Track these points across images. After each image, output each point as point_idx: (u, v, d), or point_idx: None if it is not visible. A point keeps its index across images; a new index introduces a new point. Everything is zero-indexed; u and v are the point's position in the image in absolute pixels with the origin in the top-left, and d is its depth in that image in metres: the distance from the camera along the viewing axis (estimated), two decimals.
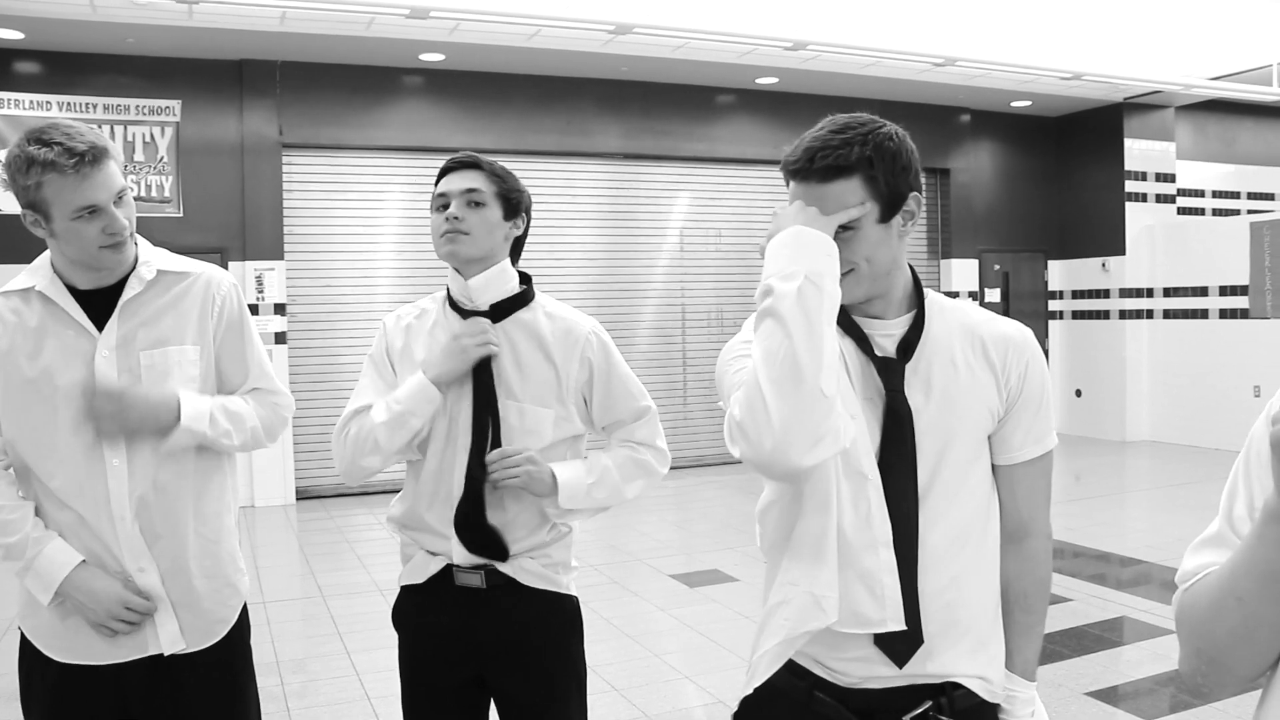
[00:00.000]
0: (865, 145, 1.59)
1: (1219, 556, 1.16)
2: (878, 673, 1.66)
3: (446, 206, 2.26)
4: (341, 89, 9.23)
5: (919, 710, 1.65)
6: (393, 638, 2.39)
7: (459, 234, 2.24)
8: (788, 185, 1.66)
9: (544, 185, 9.97)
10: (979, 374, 1.69)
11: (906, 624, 1.62)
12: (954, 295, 11.03)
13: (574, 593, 2.35)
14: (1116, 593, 5.90)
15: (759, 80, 10.36)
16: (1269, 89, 10.33)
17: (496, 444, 2.22)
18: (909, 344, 1.69)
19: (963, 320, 1.73)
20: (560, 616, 2.31)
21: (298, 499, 9.14)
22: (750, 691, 1.77)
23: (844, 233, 1.61)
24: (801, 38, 8.64)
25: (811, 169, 1.60)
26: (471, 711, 2.32)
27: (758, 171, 10.79)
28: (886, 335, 1.71)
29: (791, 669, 1.73)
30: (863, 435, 1.65)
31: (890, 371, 1.67)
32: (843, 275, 1.62)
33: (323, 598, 6.06)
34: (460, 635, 2.25)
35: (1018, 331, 1.74)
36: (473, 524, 2.21)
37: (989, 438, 1.73)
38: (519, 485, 2.18)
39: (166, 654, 2.09)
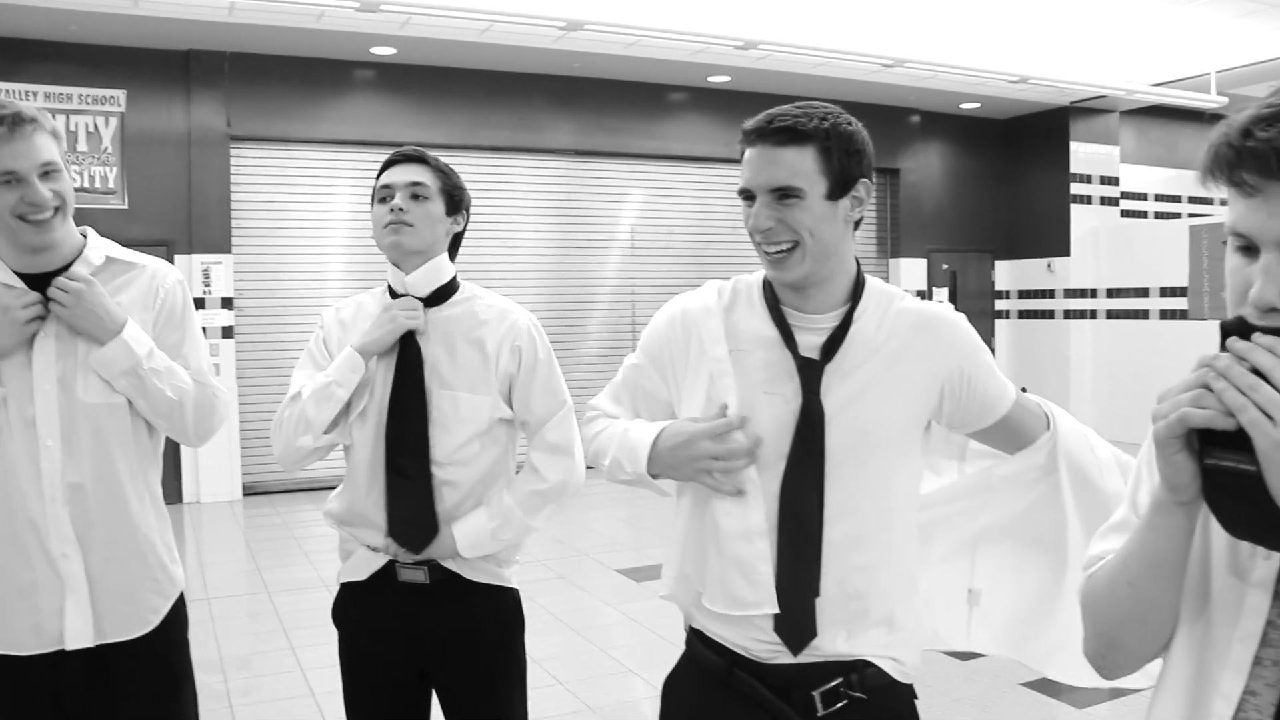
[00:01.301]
0: (824, 120, 1.66)
1: (1121, 542, 1.20)
2: (787, 651, 1.70)
3: (389, 199, 2.27)
4: (291, 81, 9.15)
5: (828, 686, 1.69)
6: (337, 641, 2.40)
7: (403, 225, 2.25)
8: (742, 156, 1.70)
9: (495, 181, 9.96)
10: (911, 368, 1.72)
11: (787, 609, 1.67)
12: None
13: (515, 585, 2.37)
14: None
15: (711, 78, 10.41)
16: (1207, 96, 10.54)
17: (421, 426, 2.22)
18: (832, 345, 1.71)
19: (901, 313, 1.75)
20: (503, 610, 2.33)
21: (244, 495, 9.05)
22: (673, 668, 1.85)
23: (789, 199, 1.65)
24: (753, 37, 8.69)
25: (769, 129, 1.66)
26: (414, 706, 2.33)
27: (709, 169, 10.84)
28: (817, 330, 1.73)
29: (711, 646, 1.78)
30: (770, 432, 1.69)
31: (809, 373, 1.70)
32: (785, 251, 1.67)
33: (268, 593, 6.01)
34: (403, 631, 2.26)
35: (946, 314, 1.79)
36: (400, 512, 2.23)
37: (937, 423, 1.79)
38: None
39: (69, 649, 2.05)
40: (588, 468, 2.23)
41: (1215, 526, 1.12)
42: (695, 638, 1.84)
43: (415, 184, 2.27)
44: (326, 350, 2.36)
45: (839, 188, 1.67)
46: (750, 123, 1.68)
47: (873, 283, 1.79)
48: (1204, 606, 1.14)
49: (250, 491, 9.12)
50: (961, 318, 1.80)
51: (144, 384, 2.08)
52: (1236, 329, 1.00)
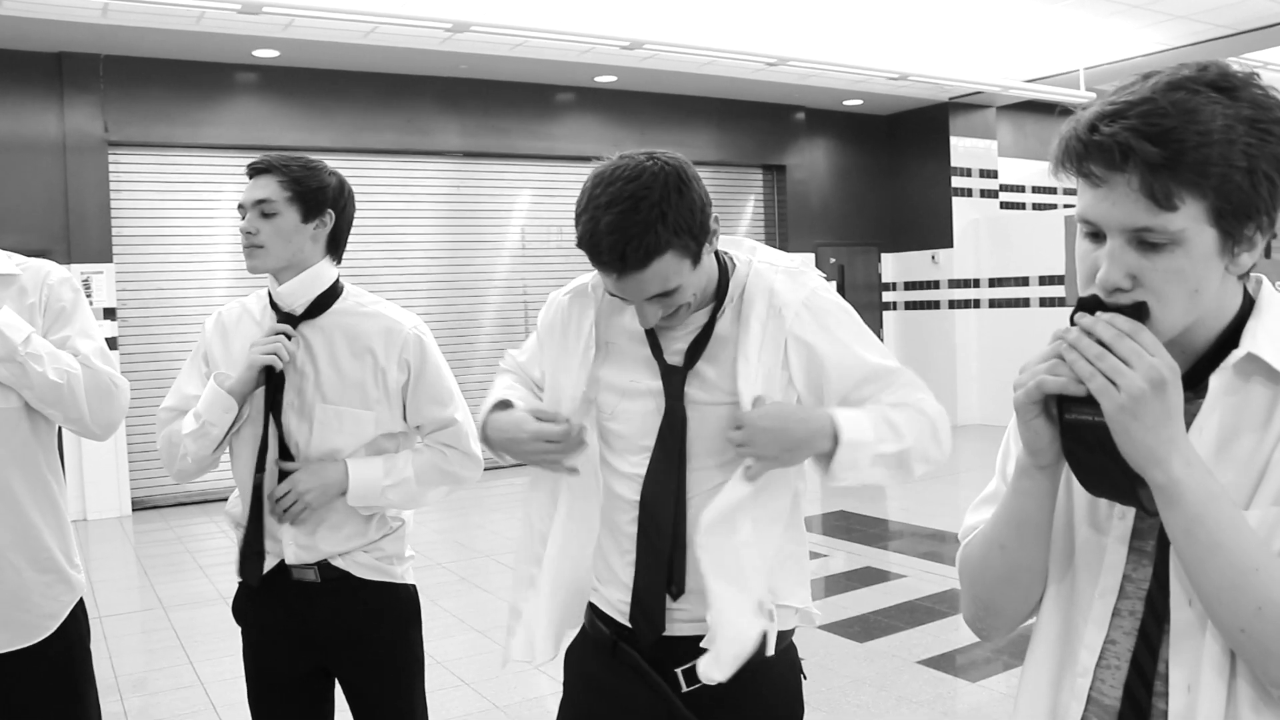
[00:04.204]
0: (665, 219, 1.62)
1: (992, 512, 1.29)
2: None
3: (244, 217, 2.27)
4: (171, 85, 8.93)
5: (689, 664, 1.78)
6: (239, 645, 2.39)
7: (254, 248, 2.25)
8: (593, 264, 1.69)
9: (383, 184, 9.87)
10: (765, 354, 1.77)
11: (639, 604, 1.79)
12: None
13: (410, 581, 2.39)
14: (948, 568, 6.19)
15: (598, 78, 10.47)
16: (1077, 92, 10.96)
17: (285, 455, 2.24)
18: (695, 350, 1.79)
19: (753, 300, 1.80)
20: (397, 606, 2.35)
21: (134, 510, 8.80)
22: (574, 638, 1.96)
23: (666, 297, 1.70)
24: (638, 37, 8.76)
25: (626, 267, 1.63)
26: (317, 701, 2.35)
27: None
28: (683, 335, 1.81)
29: (602, 618, 1.89)
30: (634, 426, 1.81)
31: (672, 380, 1.78)
32: (671, 314, 1.73)
33: (163, 609, 5.88)
34: (299, 629, 2.28)
35: (792, 294, 1.81)
36: (250, 541, 2.24)
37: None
38: (308, 516, 2.22)
39: None
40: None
41: (1076, 490, 1.22)
42: (591, 610, 1.93)
43: (261, 201, 2.24)
44: (206, 362, 2.35)
45: (700, 251, 1.70)
46: (599, 253, 1.65)
47: (739, 276, 1.83)
48: (1068, 566, 1.25)
49: (140, 506, 8.87)
50: (816, 289, 1.84)
51: (25, 370, 2.02)
52: (1089, 305, 1.10)
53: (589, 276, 1.90)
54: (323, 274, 2.30)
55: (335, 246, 2.35)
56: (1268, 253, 1.13)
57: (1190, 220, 1.04)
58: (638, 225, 1.61)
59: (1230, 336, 1.14)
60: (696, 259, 1.70)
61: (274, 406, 2.23)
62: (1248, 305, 1.16)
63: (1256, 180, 1.04)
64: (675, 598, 1.79)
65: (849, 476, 1.74)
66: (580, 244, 1.67)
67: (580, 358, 1.85)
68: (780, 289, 1.80)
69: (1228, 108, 1.03)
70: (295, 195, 2.25)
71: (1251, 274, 1.16)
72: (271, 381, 2.22)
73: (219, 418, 2.19)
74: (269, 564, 2.27)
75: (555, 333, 1.92)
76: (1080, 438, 1.10)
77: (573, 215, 1.71)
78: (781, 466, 1.75)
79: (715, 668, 1.73)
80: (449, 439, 2.33)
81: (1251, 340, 1.11)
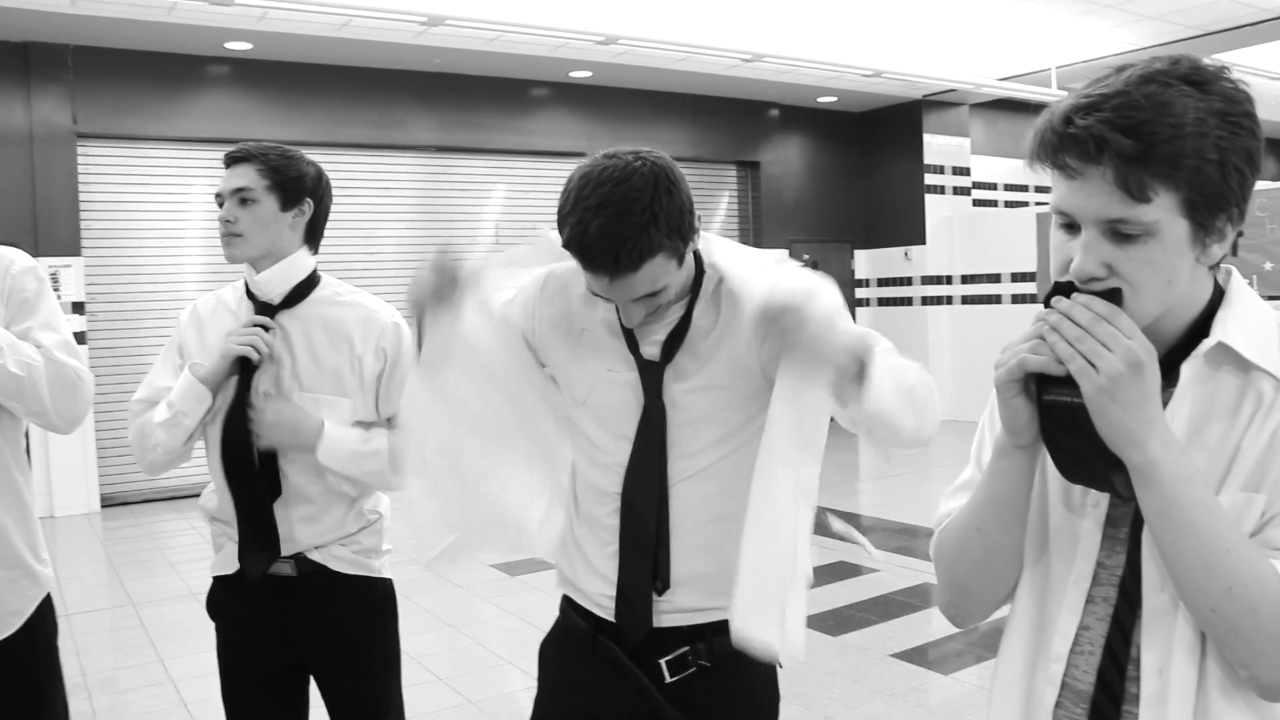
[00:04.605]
0: (657, 221, 1.61)
1: (967, 499, 1.31)
2: None
3: (222, 206, 2.26)
4: (142, 77, 8.84)
5: (674, 654, 1.79)
6: (210, 641, 2.38)
7: (233, 236, 2.23)
8: (581, 266, 1.68)
9: (357, 179, 9.82)
10: (736, 342, 1.77)
11: (624, 601, 1.79)
12: None
13: (388, 575, 2.38)
14: (921, 562, 6.23)
15: (572, 74, 10.45)
16: (1049, 90, 11.04)
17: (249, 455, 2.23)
18: (672, 345, 1.79)
19: (727, 291, 1.79)
20: (374, 600, 2.34)
21: (103, 506, 8.73)
22: (548, 633, 1.96)
23: (652, 296, 1.69)
24: (613, 32, 8.76)
25: (619, 270, 1.62)
26: (291, 697, 2.34)
27: (572, 164, 10.58)
28: (660, 329, 1.80)
29: (579, 612, 1.88)
30: (614, 413, 1.80)
31: (649, 375, 1.78)
32: (650, 313, 1.73)
33: (133, 606, 5.83)
34: (275, 623, 2.26)
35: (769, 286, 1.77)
36: (252, 534, 2.22)
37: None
38: (281, 437, 2.18)
39: None
40: None
41: (1051, 476, 1.23)
42: (567, 603, 1.93)
43: (240, 189, 2.23)
44: (180, 354, 2.33)
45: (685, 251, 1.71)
46: (591, 256, 1.63)
47: (711, 272, 1.82)
48: (1043, 552, 1.26)
49: (109, 503, 8.80)
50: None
51: None
52: (1064, 290, 1.12)
53: (562, 268, 1.88)
54: (301, 263, 2.30)
55: (313, 236, 2.34)
56: (1235, 250, 1.14)
57: (1163, 212, 1.05)
58: (631, 228, 1.59)
59: (1201, 326, 1.15)
60: (682, 259, 1.71)
61: (244, 400, 2.21)
62: (1218, 296, 1.17)
63: (1227, 172, 1.05)
64: (660, 593, 1.78)
65: (873, 405, 1.53)
66: (568, 246, 1.65)
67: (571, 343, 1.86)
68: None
69: (1199, 101, 1.04)
70: (274, 184, 2.24)
71: (1221, 265, 1.18)
72: (246, 373, 2.21)
73: (192, 408, 2.18)
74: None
75: (539, 307, 1.92)
76: (1058, 420, 1.11)
77: (546, 211, 1.70)
78: (802, 366, 1.56)
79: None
80: None
81: (1222, 330, 1.13)
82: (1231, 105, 1.06)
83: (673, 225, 1.64)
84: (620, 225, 1.59)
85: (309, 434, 2.18)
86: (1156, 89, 1.05)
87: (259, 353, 2.18)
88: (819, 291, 1.55)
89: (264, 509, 2.19)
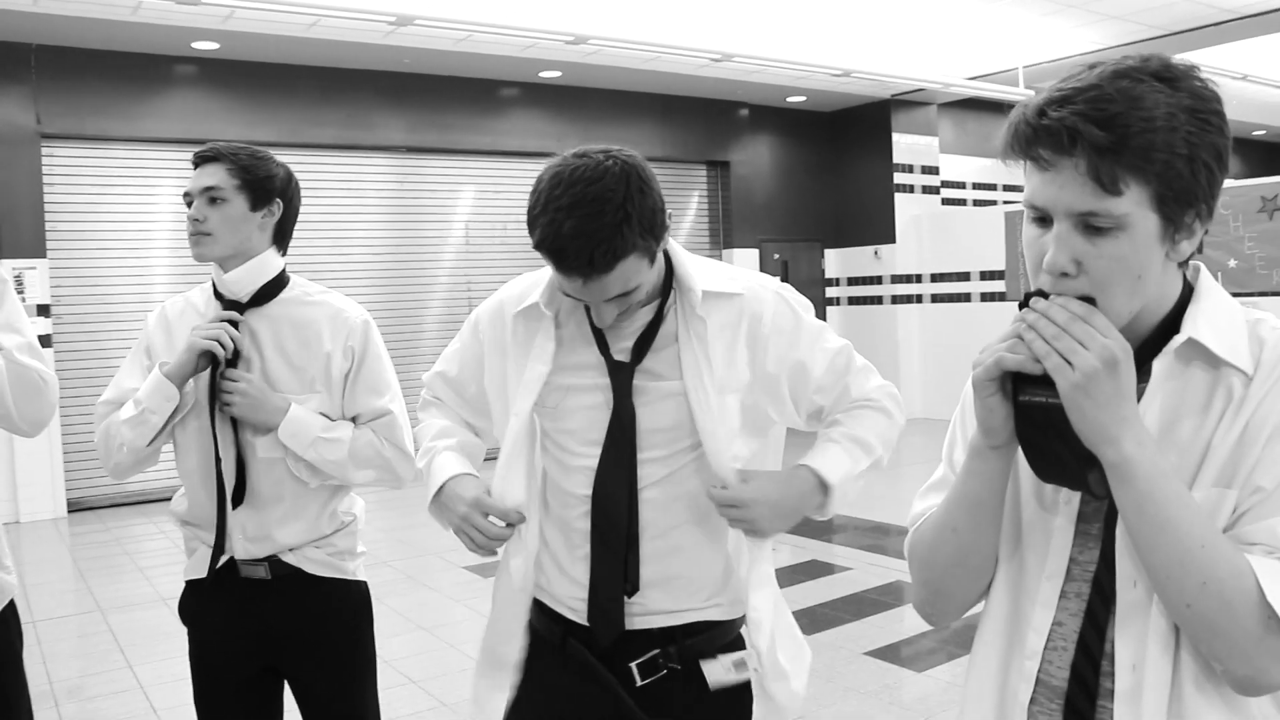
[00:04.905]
0: (630, 221, 1.59)
1: (940, 499, 1.31)
2: None
3: (190, 206, 2.24)
4: (108, 77, 8.75)
5: (645, 658, 1.79)
6: (180, 646, 2.36)
7: (201, 235, 2.21)
8: (553, 267, 1.66)
9: (327, 179, 9.76)
10: (709, 349, 1.76)
11: (596, 604, 1.79)
12: None
13: (362, 578, 2.36)
14: (893, 560, 6.26)
15: (542, 74, 10.44)
16: (1016, 89, 11.13)
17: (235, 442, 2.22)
18: (642, 346, 1.78)
19: (698, 296, 1.78)
20: (349, 602, 2.33)
21: (69, 511, 8.62)
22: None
23: (625, 296, 1.68)
24: (583, 32, 8.75)
25: (594, 271, 1.60)
26: (266, 701, 2.32)
27: (542, 164, 10.63)
28: (634, 329, 1.79)
29: (551, 615, 1.87)
30: (583, 422, 1.78)
31: (620, 375, 1.77)
32: (621, 314, 1.72)
33: (100, 612, 5.77)
34: (249, 627, 2.24)
35: (730, 290, 1.81)
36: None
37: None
38: (242, 408, 2.17)
39: None
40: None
41: (1024, 475, 1.24)
42: (537, 606, 1.91)
43: (209, 189, 2.22)
44: (148, 355, 2.30)
45: (654, 251, 1.70)
46: (565, 258, 1.61)
47: (681, 276, 1.80)
48: (1016, 549, 1.27)
49: (76, 507, 8.69)
50: (751, 286, 1.83)
51: None
52: (1042, 296, 1.12)
53: (538, 293, 1.84)
54: (270, 262, 2.28)
55: (281, 237, 2.33)
56: (1200, 248, 1.15)
57: (1134, 205, 1.06)
58: (605, 229, 1.57)
59: (1172, 323, 1.16)
60: (654, 258, 1.70)
61: (214, 396, 2.19)
62: (1188, 292, 1.18)
63: (1196, 168, 1.06)
64: (630, 594, 1.78)
65: (842, 507, 1.82)
66: (540, 247, 1.62)
67: (535, 375, 1.81)
68: (748, 289, 1.81)
69: (1170, 97, 1.05)
70: (244, 183, 2.23)
71: (1191, 262, 1.19)
72: (214, 371, 2.19)
73: (159, 405, 2.15)
74: (219, 560, 2.23)
75: (506, 348, 1.88)
76: (1034, 419, 1.12)
77: (516, 210, 1.69)
78: (772, 534, 1.79)
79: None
80: (382, 430, 2.29)
81: (1192, 326, 1.14)
82: (1201, 102, 1.07)
83: (645, 224, 1.62)
84: (594, 226, 1.57)
85: (273, 410, 2.17)
86: (1129, 84, 1.06)
87: (224, 348, 2.16)
88: (758, 501, 1.71)
89: (223, 509, 2.18)
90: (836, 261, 13.29)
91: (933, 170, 13.00)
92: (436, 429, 1.99)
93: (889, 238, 12.67)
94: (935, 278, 12.51)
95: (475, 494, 1.82)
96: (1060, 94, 1.08)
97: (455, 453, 1.94)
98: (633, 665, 1.78)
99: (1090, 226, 1.08)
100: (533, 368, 1.81)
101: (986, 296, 11.90)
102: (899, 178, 12.66)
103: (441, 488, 1.87)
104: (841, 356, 1.85)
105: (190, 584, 2.31)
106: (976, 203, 13.79)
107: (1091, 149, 1.05)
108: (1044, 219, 1.13)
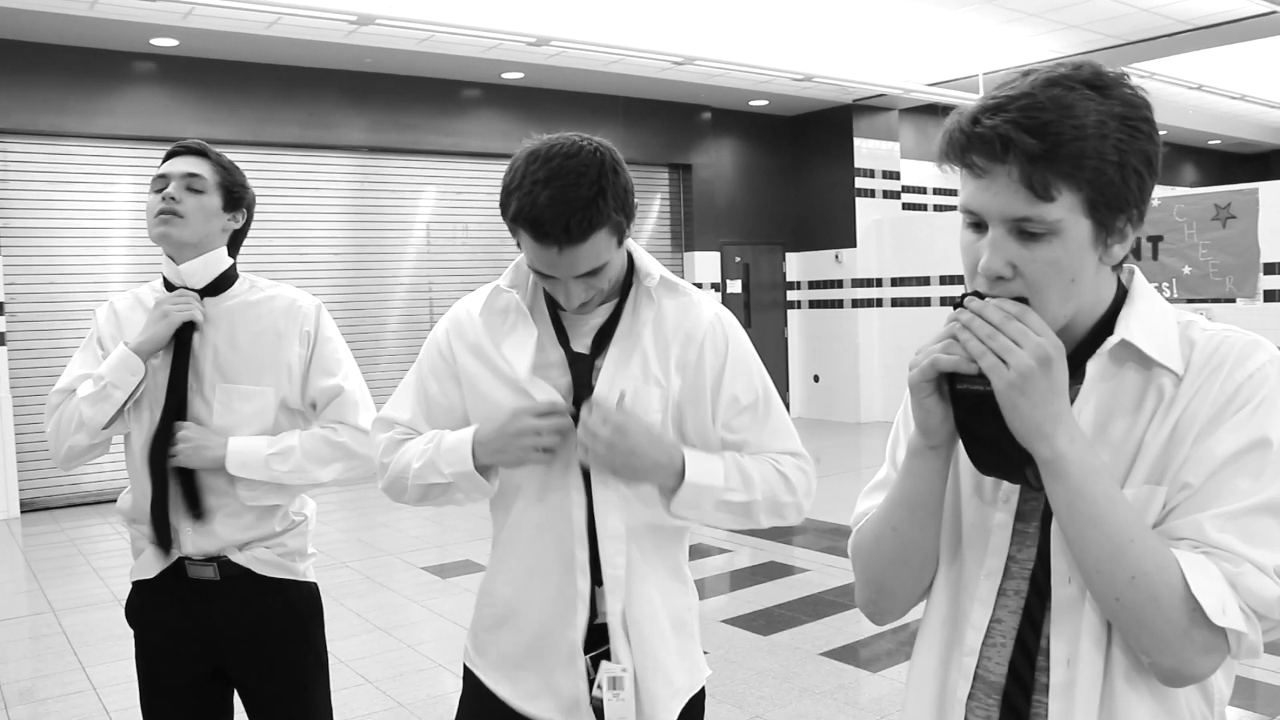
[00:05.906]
0: (604, 195, 1.63)
1: (883, 497, 1.33)
2: None
3: (164, 189, 2.23)
4: (64, 72, 8.64)
5: (599, 650, 1.81)
6: (133, 648, 2.33)
7: (173, 215, 2.20)
8: (529, 239, 1.66)
9: (286, 179, 9.70)
10: (664, 352, 1.79)
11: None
12: (698, 286, 11.39)
13: (312, 579, 2.35)
14: (849, 561, 6.29)
15: (504, 75, 10.42)
16: (976, 95, 11.20)
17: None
18: (602, 339, 1.79)
19: (656, 298, 1.81)
20: (300, 604, 2.32)
21: (23, 511, 8.51)
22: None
23: (591, 276, 1.70)
24: (545, 34, 8.75)
25: (570, 239, 1.62)
26: (214, 705, 2.30)
27: (504, 166, 10.66)
28: (591, 328, 1.81)
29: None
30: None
31: (579, 367, 1.78)
32: (588, 299, 1.74)
33: (53, 613, 5.70)
34: (197, 629, 2.22)
35: (711, 319, 1.83)
36: (156, 515, 2.19)
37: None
38: (186, 455, 2.16)
39: None
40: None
41: (964, 473, 1.26)
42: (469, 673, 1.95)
43: (191, 175, 2.23)
44: (101, 346, 2.29)
45: (623, 233, 1.72)
46: (541, 224, 1.63)
47: (639, 266, 1.82)
48: (957, 548, 1.29)
49: (30, 508, 8.58)
50: (702, 304, 1.85)
51: None
52: (978, 298, 1.15)
53: (500, 280, 1.85)
54: (222, 257, 2.30)
55: (234, 248, 2.36)
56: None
57: (1067, 211, 1.09)
58: (581, 199, 1.61)
59: (1106, 324, 1.19)
60: (621, 240, 1.72)
61: (182, 377, 2.19)
62: (1121, 295, 1.21)
63: (1127, 174, 1.09)
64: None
65: (690, 514, 1.76)
66: (517, 219, 1.64)
67: (524, 345, 1.81)
68: (691, 302, 1.83)
69: (1100, 104, 1.08)
70: (222, 182, 2.28)
71: (1125, 265, 1.22)
72: (182, 346, 2.19)
73: (123, 379, 2.15)
74: (167, 560, 2.22)
75: (482, 346, 1.85)
76: (972, 407, 1.14)
77: (477, 211, 1.70)
78: (614, 477, 1.74)
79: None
80: (336, 412, 2.28)
81: (1125, 327, 1.17)
82: (1131, 110, 1.10)
83: (619, 200, 1.66)
84: (571, 195, 1.61)
85: (216, 446, 2.17)
86: (1060, 92, 1.08)
87: (198, 319, 2.19)
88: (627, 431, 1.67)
89: (163, 507, 2.18)
90: (798, 265, 13.35)
91: (894, 175, 13.10)
92: (417, 449, 1.87)
93: (850, 242, 12.75)
94: (896, 281, 12.61)
95: (511, 410, 1.74)
96: (994, 102, 1.10)
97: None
98: (588, 657, 1.82)
99: (1024, 232, 1.11)
100: (517, 345, 1.81)
101: (946, 301, 12.01)
102: (860, 182, 12.74)
103: (474, 440, 1.77)
104: (763, 404, 1.84)
105: (137, 585, 2.29)
106: (937, 208, 13.91)
107: (1024, 156, 1.07)
108: (979, 224, 1.15)
